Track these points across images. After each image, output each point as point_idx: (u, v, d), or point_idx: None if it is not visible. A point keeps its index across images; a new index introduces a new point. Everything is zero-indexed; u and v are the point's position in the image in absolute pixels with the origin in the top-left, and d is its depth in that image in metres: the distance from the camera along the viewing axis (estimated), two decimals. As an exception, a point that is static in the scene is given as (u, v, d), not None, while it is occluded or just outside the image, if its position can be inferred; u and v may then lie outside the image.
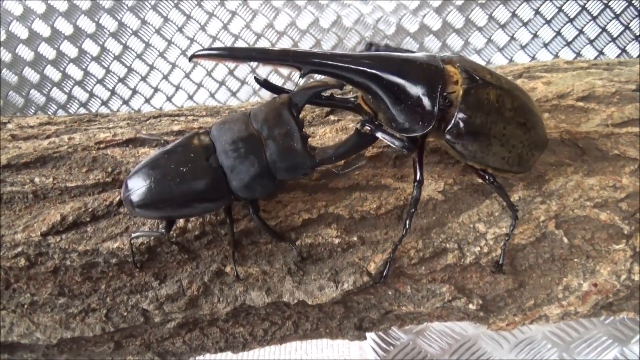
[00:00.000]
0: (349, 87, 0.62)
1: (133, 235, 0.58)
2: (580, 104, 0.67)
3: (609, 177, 0.62)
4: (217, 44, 1.28)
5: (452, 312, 0.63)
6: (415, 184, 0.57)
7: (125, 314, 0.58)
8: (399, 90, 0.54)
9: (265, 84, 0.59)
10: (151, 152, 0.63)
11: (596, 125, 0.65)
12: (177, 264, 0.59)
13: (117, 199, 0.59)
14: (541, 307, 0.61)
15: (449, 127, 0.55)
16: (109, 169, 0.61)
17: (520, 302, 0.61)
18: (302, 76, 0.54)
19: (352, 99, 0.59)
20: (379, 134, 0.56)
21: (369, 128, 0.56)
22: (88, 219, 0.58)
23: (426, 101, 0.54)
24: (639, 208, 0.61)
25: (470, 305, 0.60)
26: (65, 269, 0.58)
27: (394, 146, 0.56)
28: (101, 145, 0.63)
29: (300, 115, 0.70)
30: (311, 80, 0.64)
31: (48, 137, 0.65)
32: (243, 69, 1.31)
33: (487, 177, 0.59)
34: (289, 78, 1.29)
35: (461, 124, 0.55)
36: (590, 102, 0.67)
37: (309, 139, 0.56)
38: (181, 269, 0.59)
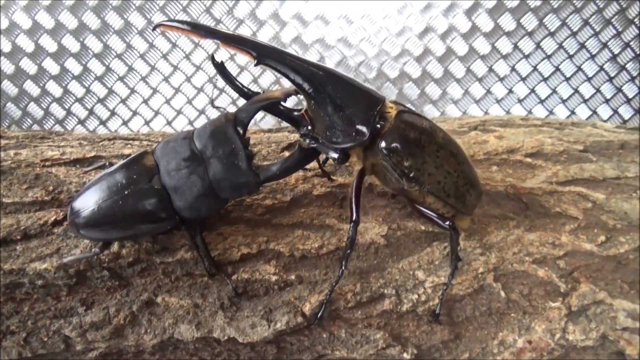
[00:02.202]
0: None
1: (65, 260, 0.57)
2: (529, 160, 0.68)
3: (549, 233, 0.62)
4: (201, 75, 1.30)
5: (386, 361, 0.61)
6: (352, 224, 0.57)
7: (45, 339, 0.56)
8: (342, 99, 0.56)
9: (221, 67, 0.60)
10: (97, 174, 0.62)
11: (541, 181, 0.66)
12: (107, 290, 0.58)
13: (53, 219, 0.58)
14: (476, 361, 0.60)
15: (384, 137, 0.57)
16: (50, 188, 0.61)
17: (456, 354, 0.60)
18: (255, 65, 0.56)
19: (296, 113, 0.61)
20: (315, 144, 0.58)
21: (308, 141, 0.58)
22: (19, 237, 0.57)
23: (364, 114, 0.57)
24: (577, 267, 0.61)
25: (405, 355, 0.59)
26: (-13, 287, 0.56)
27: (329, 155, 0.58)
28: (47, 163, 0.63)
29: (255, 150, 0.71)
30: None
31: (-5, 151, 0.64)
32: (223, 100, 1.33)
33: (447, 222, 0.59)
34: (279, 81, 1.30)
35: (395, 134, 0.57)
36: (538, 159, 0.68)
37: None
38: (110, 295, 0.58)
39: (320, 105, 0.57)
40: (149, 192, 0.55)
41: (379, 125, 0.58)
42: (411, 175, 0.58)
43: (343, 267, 0.57)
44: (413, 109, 0.66)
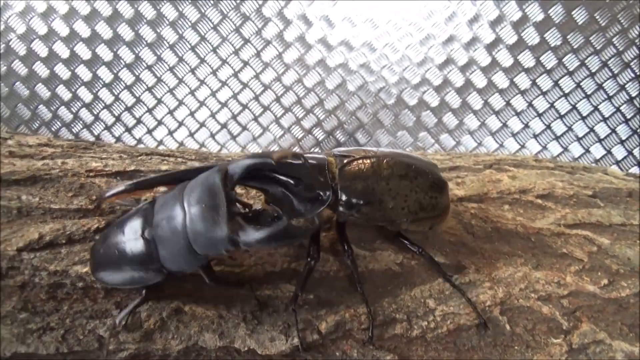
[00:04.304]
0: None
1: (117, 319, 0.59)
2: (539, 201, 0.72)
3: (555, 273, 0.66)
4: (226, 91, 1.34)
5: (394, 382, 0.65)
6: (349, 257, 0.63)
7: (81, 337, 0.61)
8: (297, 181, 0.59)
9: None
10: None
11: (550, 223, 0.70)
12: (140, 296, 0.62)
13: (95, 226, 0.63)
14: (478, 389, 0.63)
15: (339, 202, 0.62)
16: (94, 197, 0.65)
17: (460, 381, 0.64)
18: None
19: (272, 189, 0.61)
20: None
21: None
22: (64, 241, 0.62)
23: (319, 183, 0.60)
24: (579, 307, 0.64)
25: (412, 378, 0.63)
26: (32, 285, 0.61)
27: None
28: (91, 174, 0.67)
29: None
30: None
31: (43, 158, 0.69)
32: (246, 115, 1.37)
33: (417, 248, 0.65)
34: (310, 132, 1.35)
35: (346, 194, 0.61)
36: (549, 201, 0.72)
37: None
38: (142, 301, 0.62)
39: (279, 190, 0.59)
40: (139, 243, 0.56)
41: (333, 184, 0.61)
42: (376, 217, 0.63)
43: (360, 290, 0.61)
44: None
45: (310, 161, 0.61)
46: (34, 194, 0.65)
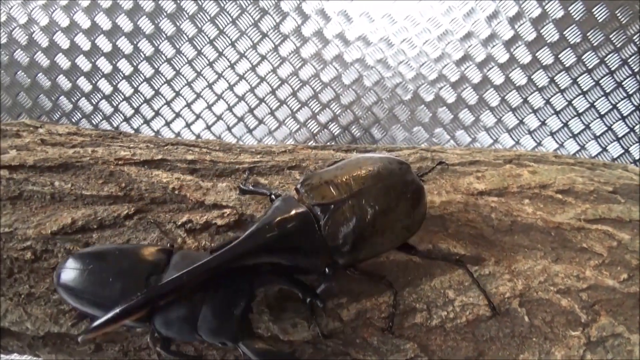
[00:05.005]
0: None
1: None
2: (559, 196, 0.73)
3: (574, 267, 0.67)
4: (243, 84, 1.36)
5: (413, 370, 0.66)
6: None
7: (111, 319, 0.62)
8: (294, 249, 0.58)
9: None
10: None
11: (570, 218, 0.71)
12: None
13: (125, 212, 0.65)
14: (496, 379, 0.64)
15: (334, 256, 0.59)
16: (123, 184, 0.67)
17: (478, 370, 0.65)
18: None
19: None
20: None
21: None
22: (95, 226, 0.64)
23: (313, 240, 0.58)
24: (598, 300, 0.65)
25: (431, 366, 0.64)
26: (65, 268, 0.63)
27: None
28: (120, 162, 0.69)
29: (304, 164, 0.76)
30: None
31: (74, 146, 0.71)
32: (263, 109, 1.39)
33: (412, 250, 0.65)
34: (325, 126, 1.36)
35: (340, 252, 0.59)
36: (569, 196, 0.73)
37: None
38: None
39: (283, 259, 0.57)
40: (139, 286, 0.52)
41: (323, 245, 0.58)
42: (373, 254, 0.62)
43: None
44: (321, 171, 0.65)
45: (296, 226, 0.57)
46: (66, 180, 0.67)
